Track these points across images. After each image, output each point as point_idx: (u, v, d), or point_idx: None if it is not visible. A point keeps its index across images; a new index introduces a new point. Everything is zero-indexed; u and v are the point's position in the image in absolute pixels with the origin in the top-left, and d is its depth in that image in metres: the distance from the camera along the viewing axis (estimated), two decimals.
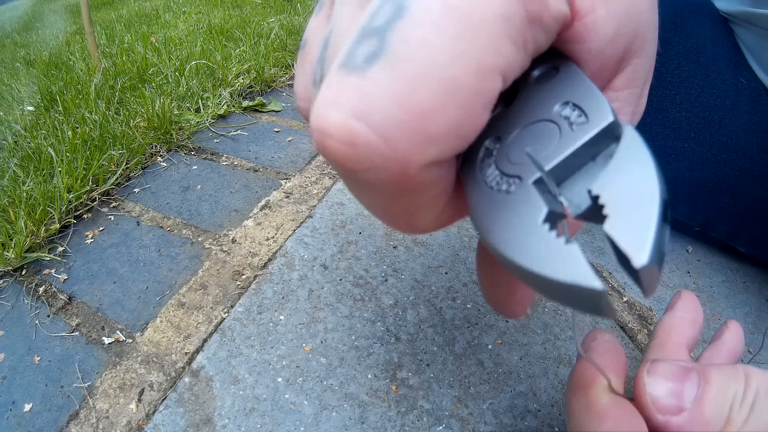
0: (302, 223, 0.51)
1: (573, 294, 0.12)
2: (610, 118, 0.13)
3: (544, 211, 0.13)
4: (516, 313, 0.20)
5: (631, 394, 0.21)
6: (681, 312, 0.26)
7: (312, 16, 0.18)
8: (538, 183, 0.13)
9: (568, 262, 0.12)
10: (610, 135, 0.13)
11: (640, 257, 0.11)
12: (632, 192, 0.12)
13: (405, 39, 0.11)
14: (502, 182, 0.14)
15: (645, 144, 0.13)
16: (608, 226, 0.12)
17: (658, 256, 0.11)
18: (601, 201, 0.12)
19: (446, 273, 0.46)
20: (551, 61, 0.15)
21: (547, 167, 0.13)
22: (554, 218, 0.13)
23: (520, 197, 0.13)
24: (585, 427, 0.20)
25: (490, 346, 0.39)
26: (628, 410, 0.20)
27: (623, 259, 0.12)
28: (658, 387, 0.20)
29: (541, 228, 0.12)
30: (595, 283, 0.11)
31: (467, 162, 0.15)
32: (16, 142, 0.66)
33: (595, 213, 0.13)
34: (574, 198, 0.13)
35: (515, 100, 0.15)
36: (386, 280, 0.44)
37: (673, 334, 0.25)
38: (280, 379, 0.36)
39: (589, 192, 0.13)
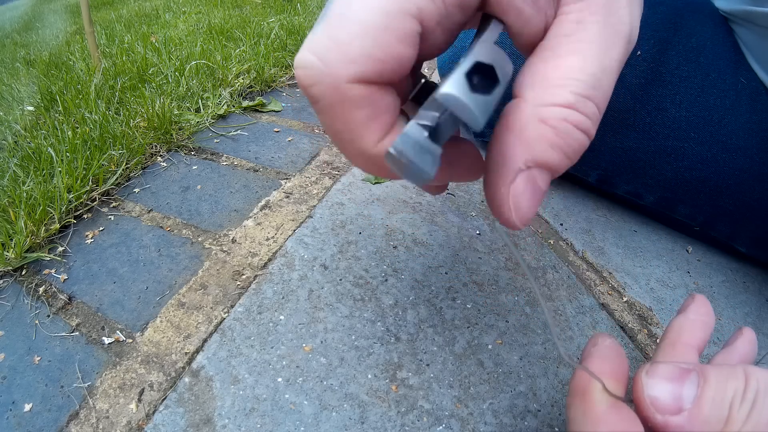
0: (302, 223, 0.51)
1: (393, 163, 0.17)
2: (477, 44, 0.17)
3: (412, 122, 0.17)
4: (516, 222, 0.21)
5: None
6: (693, 315, 0.26)
7: None
8: (425, 109, 0.17)
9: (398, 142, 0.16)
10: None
11: (440, 90, 0.15)
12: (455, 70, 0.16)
13: (335, 2, 0.17)
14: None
15: (487, 41, 0.17)
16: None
17: (463, 90, 0.15)
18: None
19: (446, 273, 0.46)
20: (480, 31, 0.19)
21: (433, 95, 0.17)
22: (419, 128, 0.17)
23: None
24: (583, 429, 0.20)
25: (490, 346, 0.39)
26: (626, 415, 0.20)
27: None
28: (656, 388, 0.20)
29: (414, 131, 0.17)
30: (390, 148, 0.16)
31: None
32: (16, 142, 0.66)
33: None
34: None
35: None
36: (386, 280, 0.44)
37: (683, 335, 0.25)
38: (280, 379, 0.36)
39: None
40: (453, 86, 0.15)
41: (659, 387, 0.20)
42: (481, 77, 0.16)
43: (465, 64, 0.16)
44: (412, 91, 0.22)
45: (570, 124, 0.17)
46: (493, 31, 0.18)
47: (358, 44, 0.16)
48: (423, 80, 0.22)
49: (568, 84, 0.17)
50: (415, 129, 0.16)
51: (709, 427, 0.18)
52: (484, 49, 0.16)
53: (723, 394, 0.18)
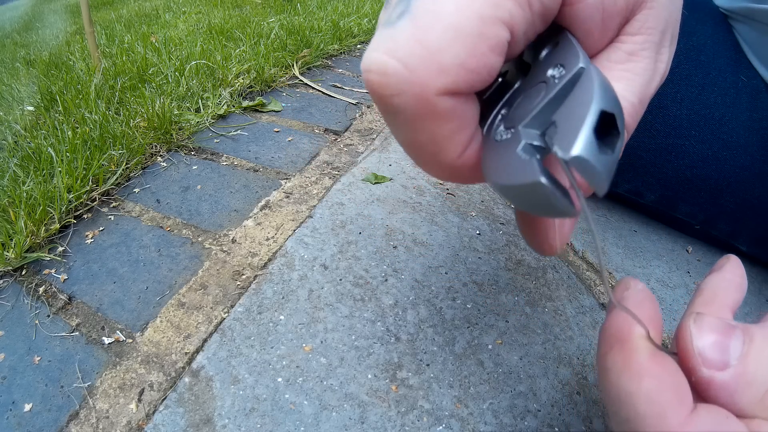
0: (302, 223, 0.51)
1: (526, 193, 0.15)
2: (580, 65, 0.15)
3: (522, 143, 0.15)
4: (552, 249, 0.21)
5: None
6: (730, 274, 0.24)
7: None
8: (527, 127, 0.16)
9: (523, 169, 0.14)
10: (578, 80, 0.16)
11: (568, 149, 0.13)
12: (573, 110, 0.14)
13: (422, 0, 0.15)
14: (504, 134, 0.17)
15: (596, 72, 0.15)
16: (548, 137, 0.15)
17: (593, 151, 0.13)
18: (556, 123, 0.15)
19: (446, 273, 0.46)
20: (555, 38, 0.18)
21: (529, 117, 0.16)
22: (532, 151, 0.15)
23: (511, 140, 0.16)
24: (622, 386, 0.18)
25: (490, 346, 0.39)
26: (670, 367, 0.18)
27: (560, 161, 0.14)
28: (704, 338, 0.18)
29: (516, 154, 0.15)
30: (538, 177, 0.14)
31: (487, 130, 0.18)
32: (16, 142, 0.66)
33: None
34: (548, 132, 0.16)
35: (525, 76, 0.18)
36: (386, 280, 0.44)
37: (720, 294, 0.23)
38: (280, 379, 0.36)
39: (553, 121, 0.15)
40: (584, 146, 0.13)
41: (707, 338, 0.18)
42: (602, 128, 0.14)
43: (591, 115, 0.14)
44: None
45: None
46: (582, 52, 0.16)
47: (451, 52, 0.14)
48: (500, 79, 0.20)
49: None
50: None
51: (753, 388, 0.17)
52: (601, 90, 0.14)
53: None
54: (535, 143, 0.15)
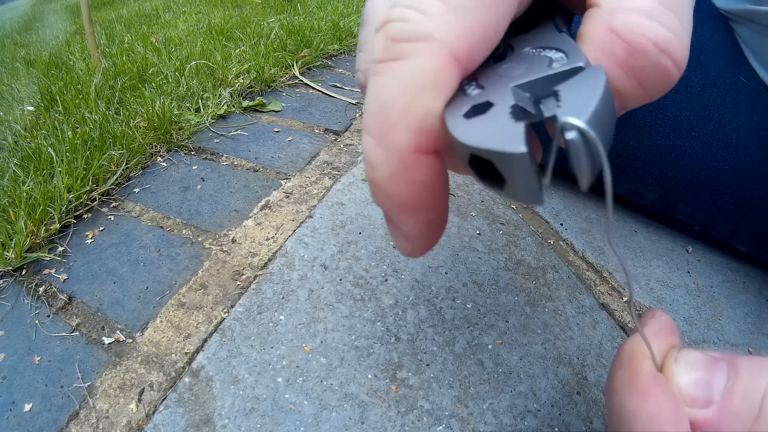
0: (302, 223, 0.51)
1: (500, 162, 0.13)
2: (581, 63, 0.14)
3: (511, 103, 0.14)
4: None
5: None
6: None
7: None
8: (519, 89, 0.14)
9: (507, 134, 0.13)
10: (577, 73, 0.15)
11: (578, 116, 0.12)
12: (582, 86, 0.13)
13: None
14: (478, 90, 0.15)
15: (603, 71, 0.14)
16: (543, 105, 0.14)
17: (598, 124, 0.12)
18: (559, 94, 0.13)
19: (446, 273, 0.46)
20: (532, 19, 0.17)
21: (523, 80, 0.15)
22: (521, 115, 0.14)
23: (492, 96, 0.14)
24: (625, 405, 0.19)
25: (490, 346, 0.39)
26: (670, 391, 0.18)
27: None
28: (685, 376, 0.18)
29: (502, 115, 0.13)
30: (522, 147, 0.12)
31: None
32: (16, 142, 0.66)
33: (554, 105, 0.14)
34: (542, 101, 0.14)
35: (507, 55, 0.17)
36: (386, 280, 0.44)
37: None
38: (280, 379, 0.36)
39: (554, 92, 0.14)
40: (591, 118, 0.12)
41: (688, 375, 0.18)
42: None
43: (598, 89, 0.13)
44: None
45: (649, 41, 0.14)
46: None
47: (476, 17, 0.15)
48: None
49: None
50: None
51: (738, 422, 0.17)
52: (606, 88, 0.13)
53: (755, 388, 0.17)
54: (527, 108, 0.14)
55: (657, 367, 0.19)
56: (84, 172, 0.55)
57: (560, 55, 0.15)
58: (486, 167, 0.14)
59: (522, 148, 0.12)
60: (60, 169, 0.54)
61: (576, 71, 0.14)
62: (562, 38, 0.16)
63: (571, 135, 0.12)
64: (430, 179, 0.16)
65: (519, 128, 0.13)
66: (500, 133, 0.13)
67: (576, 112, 0.12)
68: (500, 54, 0.17)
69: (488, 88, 0.15)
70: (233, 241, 0.49)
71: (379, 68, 0.15)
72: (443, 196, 0.17)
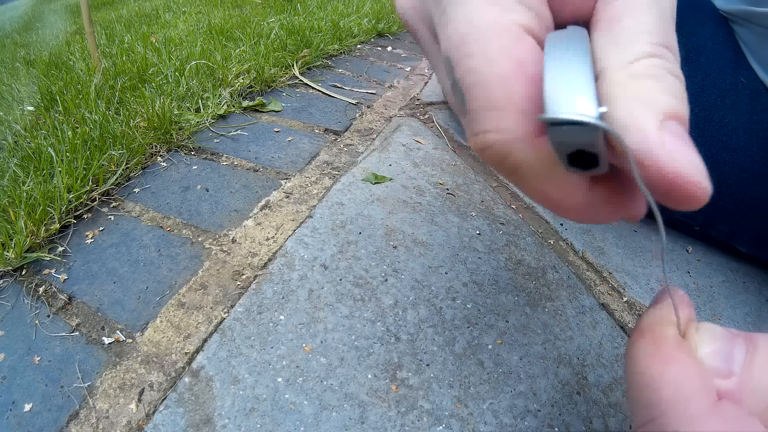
0: (302, 223, 0.51)
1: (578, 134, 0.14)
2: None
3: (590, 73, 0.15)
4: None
5: None
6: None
7: None
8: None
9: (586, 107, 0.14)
10: None
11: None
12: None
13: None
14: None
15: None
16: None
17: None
18: None
19: (446, 273, 0.46)
20: None
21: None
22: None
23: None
24: (648, 372, 0.18)
25: (490, 346, 0.39)
26: (696, 357, 0.18)
27: None
28: (707, 346, 0.18)
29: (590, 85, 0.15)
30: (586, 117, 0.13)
31: None
32: (16, 142, 0.66)
33: None
34: None
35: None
36: (386, 280, 0.44)
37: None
38: (280, 379, 0.36)
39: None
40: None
41: (710, 346, 0.18)
42: None
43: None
44: None
45: (662, 70, 0.16)
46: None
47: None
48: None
49: (638, 38, 0.16)
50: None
51: (757, 396, 0.17)
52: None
53: None
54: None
55: (681, 334, 0.19)
56: (84, 172, 0.55)
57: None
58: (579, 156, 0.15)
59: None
60: (60, 169, 0.54)
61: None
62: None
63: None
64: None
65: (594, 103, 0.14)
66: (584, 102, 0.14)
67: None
68: None
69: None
70: (233, 241, 0.49)
71: None
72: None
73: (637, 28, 0.16)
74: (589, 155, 0.15)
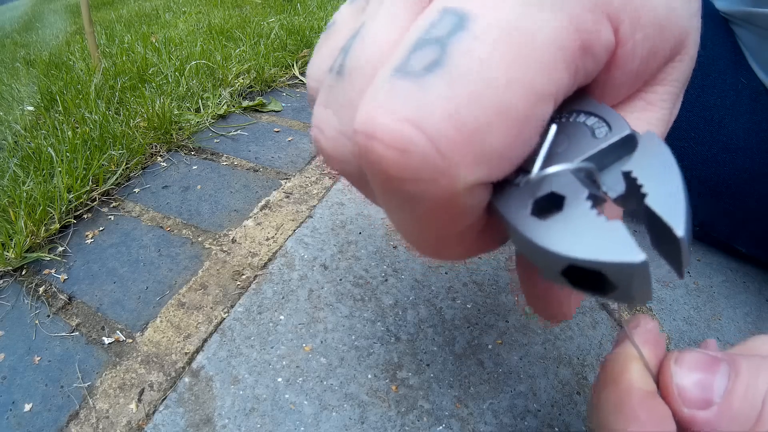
0: (302, 223, 0.51)
1: (611, 272, 0.12)
2: (629, 130, 0.14)
3: (583, 194, 0.12)
4: (567, 316, 0.19)
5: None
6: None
7: (346, 3, 0.18)
8: (576, 172, 0.13)
9: (613, 242, 0.12)
10: (630, 144, 0.14)
11: (678, 228, 0.12)
12: (659, 172, 0.13)
13: (467, 53, 0.11)
14: (530, 177, 0.13)
15: (661, 141, 0.14)
16: (650, 201, 0.13)
17: (690, 228, 0.12)
18: (637, 180, 0.13)
19: (446, 273, 0.46)
20: None
21: (581, 158, 0.13)
22: (595, 202, 0.13)
23: (554, 186, 0.13)
24: (610, 425, 0.18)
25: (490, 346, 0.39)
26: (659, 413, 0.18)
27: (660, 233, 0.13)
28: (686, 377, 0.18)
29: (595, 217, 0.12)
30: (641, 255, 0.11)
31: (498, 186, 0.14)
32: (16, 142, 0.66)
33: (631, 193, 0.13)
34: (609, 182, 0.13)
35: None
36: (386, 280, 0.44)
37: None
38: (280, 379, 0.36)
39: (624, 173, 0.13)
40: (685, 226, 0.12)
41: (688, 377, 0.18)
42: None
43: (682, 193, 0.12)
44: None
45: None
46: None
47: (495, 138, 0.11)
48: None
49: None
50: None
51: (737, 425, 0.17)
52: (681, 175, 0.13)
53: (755, 389, 0.17)
54: (598, 194, 0.13)
55: (651, 374, 0.19)
56: (84, 172, 0.55)
57: (594, 120, 0.14)
58: (585, 276, 0.12)
59: (641, 255, 0.11)
60: (60, 169, 0.54)
61: (628, 141, 0.13)
62: (584, 98, 0.15)
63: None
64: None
65: (622, 230, 0.12)
66: (603, 238, 0.11)
67: (673, 210, 0.12)
68: None
69: (536, 172, 0.13)
70: (233, 241, 0.49)
71: None
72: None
73: None
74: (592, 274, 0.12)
